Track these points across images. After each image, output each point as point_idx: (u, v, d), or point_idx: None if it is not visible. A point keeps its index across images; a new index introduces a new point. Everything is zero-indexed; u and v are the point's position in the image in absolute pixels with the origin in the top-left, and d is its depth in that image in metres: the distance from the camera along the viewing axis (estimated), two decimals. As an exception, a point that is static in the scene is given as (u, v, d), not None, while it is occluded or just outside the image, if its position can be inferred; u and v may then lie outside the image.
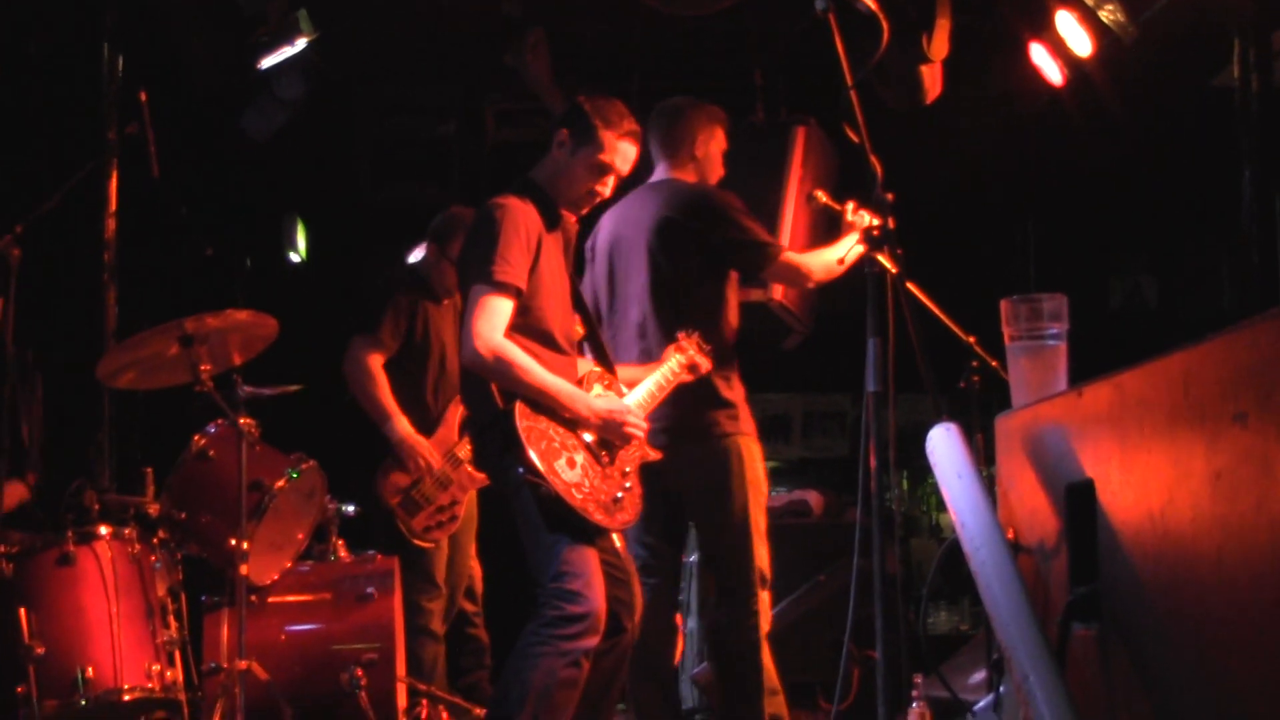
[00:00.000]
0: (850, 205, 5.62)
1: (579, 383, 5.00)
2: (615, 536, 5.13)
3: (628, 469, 5.01)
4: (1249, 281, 6.76)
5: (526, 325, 4.90)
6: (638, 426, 5.00)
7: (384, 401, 6.62)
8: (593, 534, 4.82)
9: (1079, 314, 4.23)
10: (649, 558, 5.71)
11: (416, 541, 6.57)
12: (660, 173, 5.89)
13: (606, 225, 5.89)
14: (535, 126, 8.99)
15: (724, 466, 5.58)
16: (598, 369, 5.17)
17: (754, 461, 5.63)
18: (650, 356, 5.55)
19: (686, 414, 5.55)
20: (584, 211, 5.21)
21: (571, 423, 4.87)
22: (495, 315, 4.78)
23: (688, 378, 5.44)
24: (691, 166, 5.84)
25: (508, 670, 4.73)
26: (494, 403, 4.81)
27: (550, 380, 4.82)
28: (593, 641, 4.72)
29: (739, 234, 5.59)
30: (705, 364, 5.46)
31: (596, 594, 4.73)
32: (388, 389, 6.65)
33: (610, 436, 4.95)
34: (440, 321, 6.86)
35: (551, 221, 5.04)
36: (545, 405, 4.81)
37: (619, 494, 4.91)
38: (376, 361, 6.67)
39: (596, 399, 4.98)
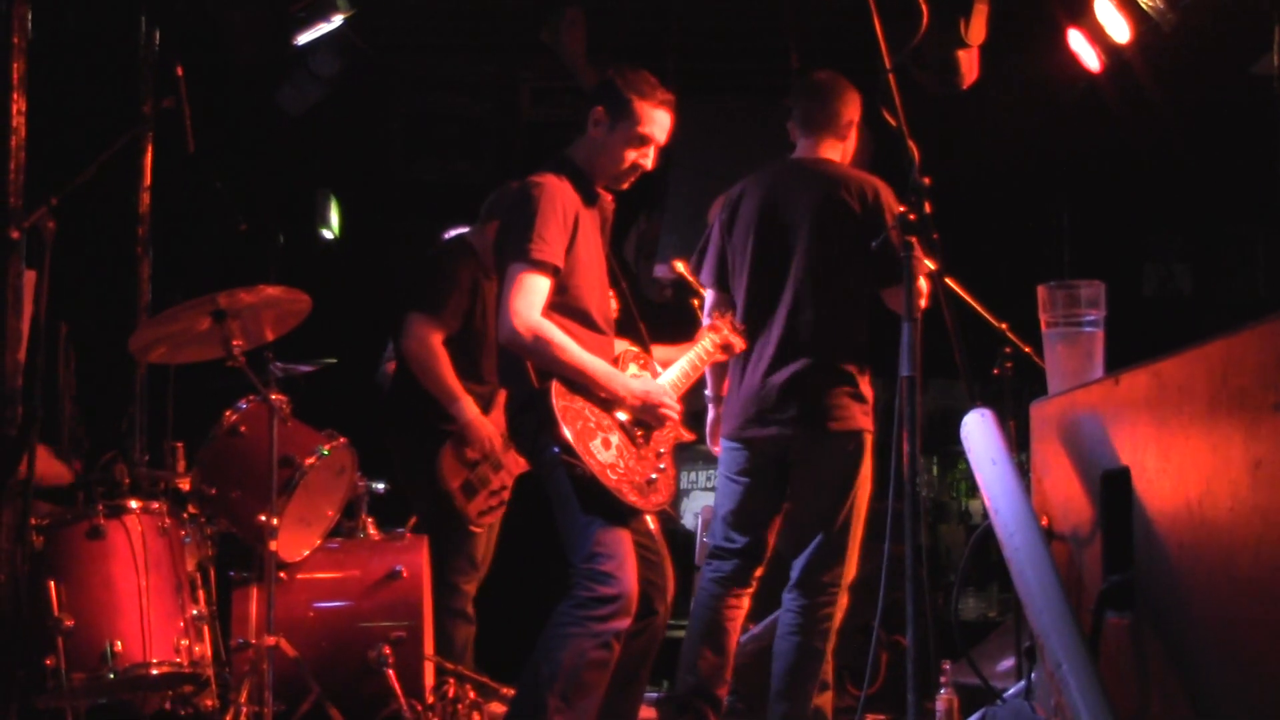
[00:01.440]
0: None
1: (614, 361, 4.98)
2: (649, 518, 5.11)
3: (662, 450, 4.99)
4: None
5: (564, 304, 4.87)
6: (672, 408, 4.98)
7: (450, 382, 6.42)
8: (626, 515, 4.80)
9: (1113, 300, 4.20)
10: (741, 540, 5.65)
11: (473, 527, 6.48)
12: (805, 147, 5.73)
13: (751, 196, 5.70)
14: (570, 105, 8.97)
15: (855, 462, 5.47)
16: (634, 348, 5.15)
17: (869, 461, 5.52)
18: (797, 336, 5.47)
19: (823, 402, 5.46)
20: (625, 186, 5.14)
21: (607, 403, 4.85)
22: (533, 294, 4.73)
23: (721, 357, 5.44)
24: (838, 146, 5.70)
25: (539, 649, 4.72)
26: (530, 382, 4.79)
27: (587, 359, 4.79)
28: (624, 623, 4.71)
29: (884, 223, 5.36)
30: (739, 344, 5.44)
31: (629, 576, 4.72)
32: (452, 369, 6.45)
33: (646, 417, 4.93)
34: (491, 296, 6.76)
35: (589, 199, 5.01)
36: (581, 385, 4.79)
37: (653, 475, 4.89)
38: (439, 340, 6.46)
39: (633, 379, 4.96)
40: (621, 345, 5.12)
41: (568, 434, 4.67)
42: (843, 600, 5.50)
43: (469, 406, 6.42)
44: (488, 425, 6.46)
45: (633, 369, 5.05)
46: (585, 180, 5.02)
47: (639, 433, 4.92)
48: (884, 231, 5.10)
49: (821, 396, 5.44)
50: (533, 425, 4.79)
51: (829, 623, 5.49)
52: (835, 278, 5.50)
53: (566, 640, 4.65)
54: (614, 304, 5.21)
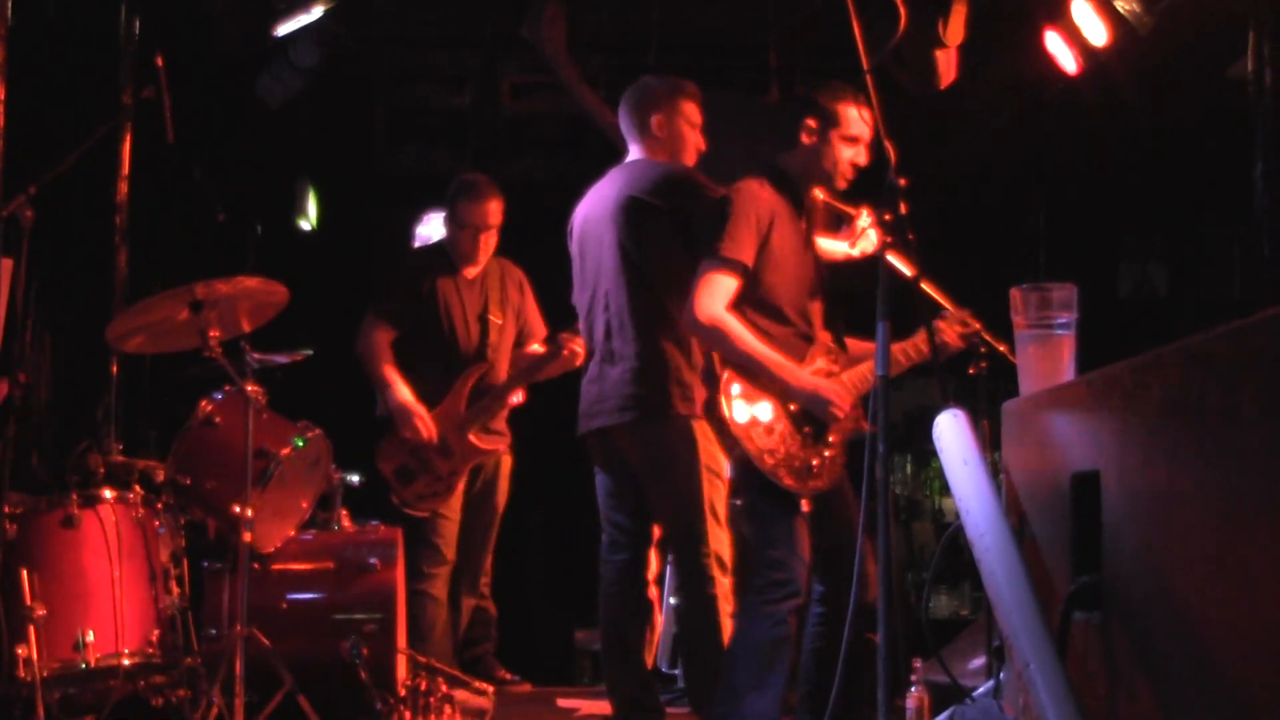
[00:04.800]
0: (864, 211, 5.54)
1: (804, 354, 5.20)
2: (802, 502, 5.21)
3: (831, 439, 5.17)
4: (1260, 273, 6.75)
5: (755, 298, 5.17)
6: (840, 407, 5.10)
7: (383, 371, 6.76)
8: (794, 500, 5.10)
9: (1088, 300, 4.22)
10: (617, 534, 5.82)
11: (408, 510, 6.65)
12: (630, 154, 5.93)
13: (579, 209, 5.96)
14: (551, 99, 8.99)
15: (673, 448, 5.62)
16: (829, 343, 5.31)
17: (707, 444, 5.61)
18: (611, 333, 5.67)
19: (645, 390, 5.61)
20: (850, 178, 5.39)
21: (781, 392, 5.07)
22: (717, 288, 5.07)
23: (953, 350, 5.48)
24: (656, 145, 5.86)
25: (731, 635, 5.25)
26: (710, 367, 5.15)
27: (762, 350, 5.08)
28: (796, 603, 5.09)
29: (704, 206, 5.57)
30: (957, 344, 5.47)
31: (798, 561, 5.09)
32: (389, 360, 6.79)
33: (814, 411, 5.11)
34: (451, 294, 6.87)
35: (795, 202, 5.32)
36: (755, 372, 5.05)
37: (814, 461, 5.10)
38: (383, 335, 6.83)
39: (810, 374, 5.16)
40: (822, 339, 5.29)
41: (732, 417, 5.01)
42: (725, 582, 5.65)
43: (398, 392, 6.71)
44: (419, 410, 6.68)
45: (820, 363, 5.23)
46: (792, 184, 5.34)
47: (806, 425, 5.12)
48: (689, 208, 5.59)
49: (644, 389, 5.62)
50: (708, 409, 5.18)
51: (713, 618, 5.61)
52: (649, 270, 5.67)
53: (749, 624, 5.11)
54: (819, 302, 5.36)
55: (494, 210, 6.91)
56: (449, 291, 6.92)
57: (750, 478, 5.09)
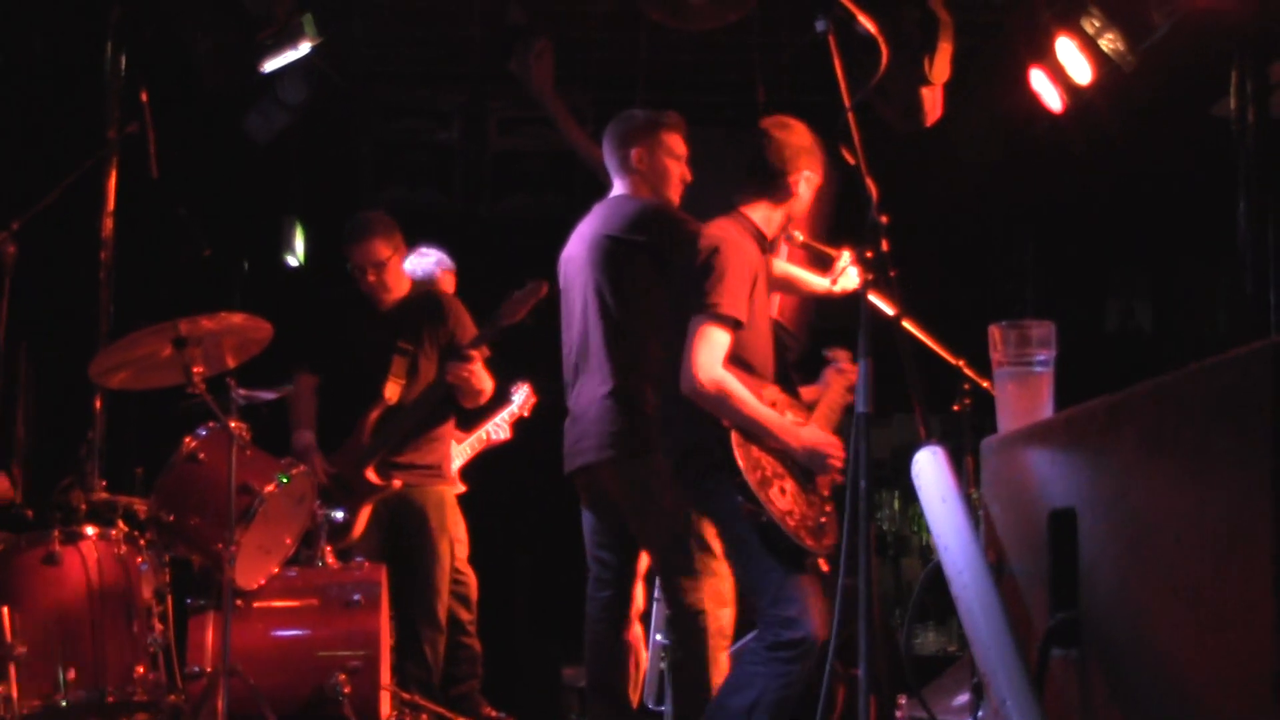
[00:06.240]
0: (845, 252, 5.55)
1: (779, 408, 5.15)
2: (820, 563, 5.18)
3: (826, 493, 5.15)
4: (1243, 310, 6.76)
5: (733, 355, 5.07)
6: (838, 457, 5.10)
7: (292, 417, 6.81)
8: (804, 558, 4.99)
9: (1074, 337, 4.23)
10: (601, 570, 5.82)
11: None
12: (614, 189, 5.96)
13: (565, 249, 5.99)
14: (537, 135, 9.00)
15: (654, 484, 5.60)
16: (784, 395, 5.26)
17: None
18: (590, 371, 5.70)
19: (622, 428, 5.62)
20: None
21: (780, 452, 5.03)
22: (714, 347, 4.97)
23: (850, 399, 5.50)
24: (638, 180, 5.89)
25: (728, 682, 5.09)
26: (705, 429, 4.98)
27: (764, 411, 5.02)
28: (808, 664, 4.96)
29: (682, 238, 5.56)
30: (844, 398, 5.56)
31: (813, 619, 4.93)
32: (301, 403, 6.84)
33: (813, 467, 5.09)
34: (363, 330, 6.86)
35: (765, 251, 5.33)
36: (757, 435, 4.98)
37: (822, 519, 5.06)
38: (304, 381, 6.87)
39: (802, 430, 5.12)
40: (771, 392, 5.22)
41: (750, 483, 4.86)
42: (723, 615, 5.60)
43: (297, 436, 6.75)
44: (308, 452, 6.67)
45: (789, 415, 5.17)
46: (761, 236, 5.30)
47: (806, 480, 5.09)
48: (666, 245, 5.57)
49: (624, 427, 5.63)
50: (702, 468, 5.05)
51: (699, 651, 5.60)
52: (623, 308, 5.69)
53: (755, 679, 4.93)
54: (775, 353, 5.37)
55: (378, 247, 6.85)
56: (361, 326, 6.90)
57: (767, 537, 4.97)
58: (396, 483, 6.69)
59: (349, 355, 6.85)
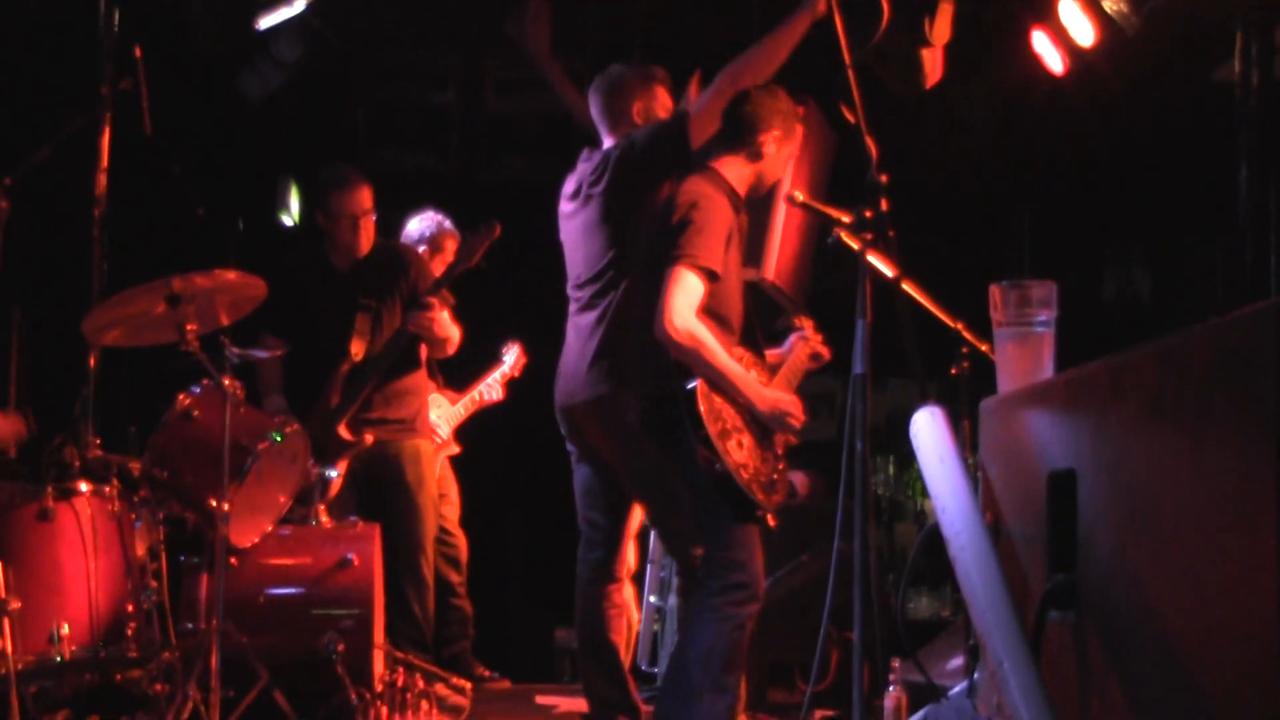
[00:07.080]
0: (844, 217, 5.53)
1: (745, 365, 5.22)
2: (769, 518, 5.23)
3: (780, 451, 5.25)
4: (1242, 277, 6.75)
5: (706, 307, 5.12)
6: (799, 418, 5.20)
7: (260, 385, 6.74)
8: (753, 510, 5.07)
9: (1072, 304, 4.21)
10: (592, 532, 5.82)
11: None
12: (605, 143, 5.92)
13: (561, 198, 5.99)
14: (534, 98, 8.95)
15: (635, 425, 5.57)
16: (749, 354, 5.30)
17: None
18: (589, 315, 5.68)
19: (607, 370, 5.62)
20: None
21: (741, 407, 5.10)
22: (689, 295, 5.03)
23: (812, 366, 5.71)
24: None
25: (682, 636, 5.26)
26: (675, 378, 5.05)
27: (732, 366, 5.09)
28: (755, 607, 5.11)
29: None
30: (826, 353, 5.75)
31: (757, 565, 5.12)
32: (266, 372, 6.75)
33: (774, 425, 5.18)
34: (323, 289, 6.80)
35: (738, 209, 5.34)
36: (722, 387, 5.05)
37: (775, 476, 5.17)
38: (270, 345, 6.63)
39: (766, 388, 5.20)
40: (738, 350, 5.26)
41: (710, 434, 4.94)
42: None
43: (267, 402, 6.68)
44: (279, 415, 6.54)
45: (753, 374, 5.22)
46: (736, 198, 5.35)
47: (763, 440, 5.16)
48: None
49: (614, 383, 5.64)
50: (669, 417, 5.10)
51: None
52: (622, 260, 5.68)
53: (708, 625, 5.06)
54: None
55: (366, 196, 6.80)
56: (320, 287, 6.81)
57: (720, 486, 5.03)
58: (369, 438, 6.63)
59: (310, 318, 6.75)
